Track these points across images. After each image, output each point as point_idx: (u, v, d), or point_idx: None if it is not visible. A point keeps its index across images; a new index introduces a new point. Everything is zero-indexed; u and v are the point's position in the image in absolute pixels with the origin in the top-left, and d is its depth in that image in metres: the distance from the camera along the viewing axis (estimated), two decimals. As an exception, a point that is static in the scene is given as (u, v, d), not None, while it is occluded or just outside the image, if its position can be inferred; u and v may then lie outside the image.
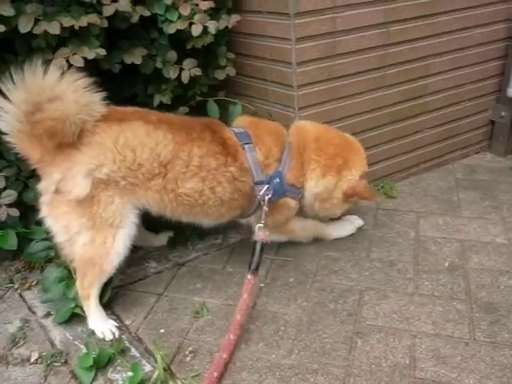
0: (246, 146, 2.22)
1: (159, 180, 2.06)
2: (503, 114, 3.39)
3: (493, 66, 3.30)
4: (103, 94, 1.98)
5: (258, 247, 2.17)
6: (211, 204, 2.20)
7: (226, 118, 2.64)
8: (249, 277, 2.12)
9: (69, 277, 2.24)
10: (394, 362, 1.91)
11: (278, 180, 2.26)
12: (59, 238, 2.07)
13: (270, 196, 2.23)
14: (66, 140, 1.92)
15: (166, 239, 2.70)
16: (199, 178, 2.12)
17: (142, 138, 2.01)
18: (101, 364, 1.96)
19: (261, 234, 2.20)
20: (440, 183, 3.20)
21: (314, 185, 2.38)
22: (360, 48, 2.69)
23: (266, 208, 2.22)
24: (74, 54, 2.11)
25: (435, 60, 3.01)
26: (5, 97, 1.88)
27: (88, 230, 2.02)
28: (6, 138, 1.98)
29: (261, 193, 2.23)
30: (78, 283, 2.13)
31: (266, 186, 2.23)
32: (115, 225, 2.04)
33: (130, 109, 2.14)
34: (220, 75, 2.77)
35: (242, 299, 2.06)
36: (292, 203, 2.39)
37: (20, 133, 1.94)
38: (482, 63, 3.24)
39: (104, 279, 2.13)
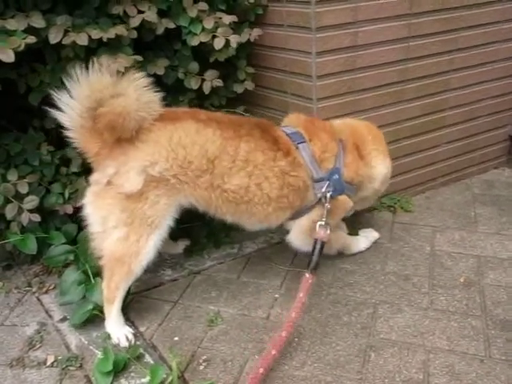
0: (300, 146, 2.22)
1: (207, 176, 2.09)
2: (523, 129, 3.38)
3: (512, 82, 3.29)
4: (161, 95, 2.04)
5: (318, 246, 2.18)
6: (257, 201, 2.18)
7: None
8: (307, 275, 2.13)
9: (87, 280, 2.28)
10: (408, 377, 1.91)
11: (337, 176, 2.26)
12: (95, 228, 2.10)
13: (330, 193, 2.23)
14: (125, 135, 1.98)
15: (182, 247, 2.73)
16: (245, 173, 2.12)
17: (192, 135, 2.06)
18: (117, 369, 1.98)
19: (321, 232, 2.20)
20: (457, 198, 3.19)
21: (384, 167, 2.46)
22: (380, 62, 2.71)
23: (328, 205, 2.22)
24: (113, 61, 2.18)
25: (456, 75, 3.01)
26: (69, 94, 1.96)
27: (125, 226, 2.05)
28: (68, 133, 2.06)
29: (323, 190, 2.22)
30: (104, 284, 2.15)
31: (327, 183, 2.23)
32: (154, 225, 2.07)
33: (181, 109, 2.23)
34: (238, 88, 2.80)
35: (298, 297, 2.06)
36: (350, 203, 2.40)
37: (81, 128, 2.02)
38: (502, 79, 3.23)
39: (130, 281, 2.15)
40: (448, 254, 2.63)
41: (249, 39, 2.62)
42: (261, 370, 1.85)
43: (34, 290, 2.51)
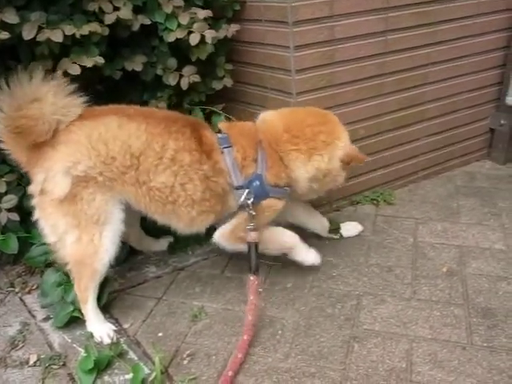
0: (226, 150, 2.17)
1: (132, 172, 2.05)
2: (502, 122, 3.41)
3: (492, 75, 3.32)
4: (85, 98, 2.03)
5: (253, 248, 2.18)
6: (181, 203, 2.13)
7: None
8: (251, 278, 2.14)
9: (67, 281, 2.26)
10: (391, 366, 1.92)
11: (257, 183, 2.19)
12: (50, 238, 2.10)
13: (251, 200, 2.17)
14: (40, 139, 1.97)
15: (166, 244, 2.72)
16: (171, 172, 2.07)
17: (114, 130, 2.02)
18: (101, 367, 1.97)
19: (252, 234, 2.18)
20: (439, 190, 3.22)
21: (305, 172, 2.25)
22: (358, 56, 2.72)
23: (253, 212, 2.17)
24: (74, 63, 2.17)
25: (434, 68, 3.03)
26: None
27: (74, 228, 2.03)
28: (1, 145, 2.04)
29: (242, 198, 2.18)
30: (75, 287, 2.15)
31: (247, 191, 2.18)
32: (101, 222, 2.05)
33: (107, 106, 2.15)
34: (217, 85, 2.79)
35: (249, 300, 2.09)
36: (279, 204, 2.29)
37: (9, 138, 2.00)
38: (480, 72, 3.26)
39: (98, 279, 2.13)
40: (431, 244, 2.65)
41: (227, 35, 2.62)
42: (230, 373, 1.89)
43: (16, 290, 2.49)
